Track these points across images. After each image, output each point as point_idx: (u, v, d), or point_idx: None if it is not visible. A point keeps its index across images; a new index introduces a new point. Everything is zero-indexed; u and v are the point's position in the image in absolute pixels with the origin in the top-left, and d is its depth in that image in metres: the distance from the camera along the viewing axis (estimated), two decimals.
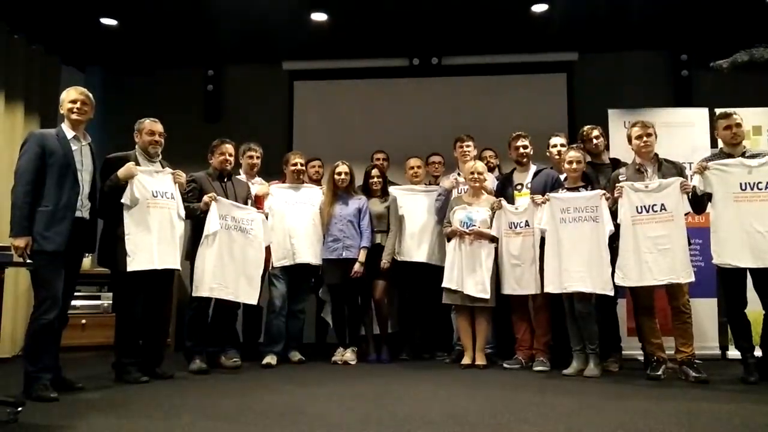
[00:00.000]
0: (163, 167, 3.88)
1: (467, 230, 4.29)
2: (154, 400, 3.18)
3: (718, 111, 4.98)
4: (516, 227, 4.27)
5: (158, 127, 3.88)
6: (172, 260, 3.76)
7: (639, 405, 3.03)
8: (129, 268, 3.57)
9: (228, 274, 4.06)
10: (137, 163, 3.74)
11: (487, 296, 4.20)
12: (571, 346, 4.05)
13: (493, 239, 4.30)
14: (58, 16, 5.17)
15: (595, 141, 4.46)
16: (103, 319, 5.07)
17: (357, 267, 4.49)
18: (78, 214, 3.39)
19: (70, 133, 3.44)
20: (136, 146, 3.87)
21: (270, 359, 4.36)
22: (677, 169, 4.00)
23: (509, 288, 4.24)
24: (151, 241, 3.65)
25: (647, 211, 3.82)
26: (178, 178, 3.87)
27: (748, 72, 5.07)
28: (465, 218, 4.33)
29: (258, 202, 4.58)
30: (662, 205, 3.79)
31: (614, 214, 3.92)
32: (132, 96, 6.20)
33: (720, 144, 4.09)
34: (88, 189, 3.47)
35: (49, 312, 3.21)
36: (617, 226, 3.89)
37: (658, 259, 3.75)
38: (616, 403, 3.10)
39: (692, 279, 3.77)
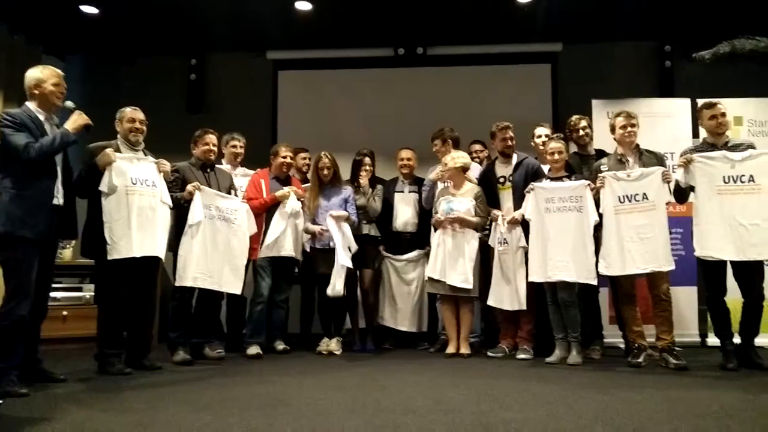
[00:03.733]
0: (146, 156, 3.83)
1: (446, 217, 4.29)
2: (137, 391, 3.16)
3: (700, 101, 5.03)
4: (500, 244, 4.28)
5: (139, 114, 3.83)
6: (153, 247, 3.67)
7: (620, 392, 3.07)
8: (109, 257, 3.51)
9: (212, 264, 4.04)
10: (118, 152, 3.68)
11: (470, 287, 4.22)
12: (554, 334, 4.09)
13: (477, 228, 4.32)
14: (39, 5, 5.08)
15: (581, 132, 4.48)
16: (84, 310, 5.02)
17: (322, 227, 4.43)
18: (54, 201, 3.29)
19: (41, 115, 3.29)
20: (118, 135, 3.81)
21: (254, 350, 4.35)
22: (658, 159, 4.04)
23: (492, 299, 4.27)
24: (130, 229, 3.57)
25: (629, 201, 3.85)
26: (163, 167, 3.82)
27: (731, 63, 5.12)
28: (447, 208, 4.34)
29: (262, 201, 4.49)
30: (644, 194, 3.83)
31: (597, 203, 3.95)
32: (114, 85, 6.12)
33: (703, 134, 4.14)
34: (61, 174, 3.35)
35: (20, 306, 3.05)
36: (600, 216, 3.93)
37: (640, 248, 3.79)
38: (597, 390, 3.14)
39: (673, 267, 3.82)
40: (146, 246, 3.64)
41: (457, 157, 4.41)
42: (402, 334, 4.86)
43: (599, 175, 3.98)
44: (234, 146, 4.75)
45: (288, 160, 4.65)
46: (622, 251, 3.83)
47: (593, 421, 2.44)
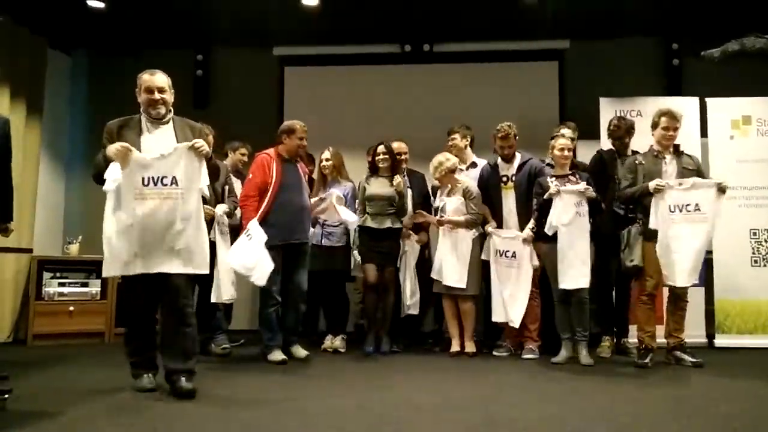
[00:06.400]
0: (176, 131, 3.13)
1: (435, 219, 4.37)
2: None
3: (708, 100, 5.03)
4: (503, 256, 4.23)
5: (157, 81, 3.10)
6: (169, 265, 2.93)
7: (626, 391, 3.07)
8: (104, 274, 2.99)
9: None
10: (140, 129, 3.07)
11: (463, 286, 4.20)
12: (560, 334, 4.06)
13: (469, 225, 4.27)
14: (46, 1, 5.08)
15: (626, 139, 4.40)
16: (91, 306, 5.02)
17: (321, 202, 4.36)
18: None
19: None
20: (141, 108, 3.15)
21: (278, 356, 3.97)
22: (694, 163, 3.98)
23: (495, 314, 4.24)
24: (132, 243, 2.89)
25: (680, 211, 3.72)
26: (199, 149, 2.98)
27: (739, 61, 5.08)
28: (439, 209, 4.39)
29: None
30: (696, 204, 3.71)
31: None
32: (119, 80, 6.06)
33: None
34: None
35: None
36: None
37: (684, 260, 3.71)
38: (603, 389, 3.13)
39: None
40: (162, 262, 2.93)
41: (437, 165, 4.36)
42: (410, 336, 4.80)
43: (551, 182, 3.96)
44: (243, 154, 4.79)
45: (304, 142, 4.37)
46: (669, 262, 3.73)
47: (598, 420, 2.43)
